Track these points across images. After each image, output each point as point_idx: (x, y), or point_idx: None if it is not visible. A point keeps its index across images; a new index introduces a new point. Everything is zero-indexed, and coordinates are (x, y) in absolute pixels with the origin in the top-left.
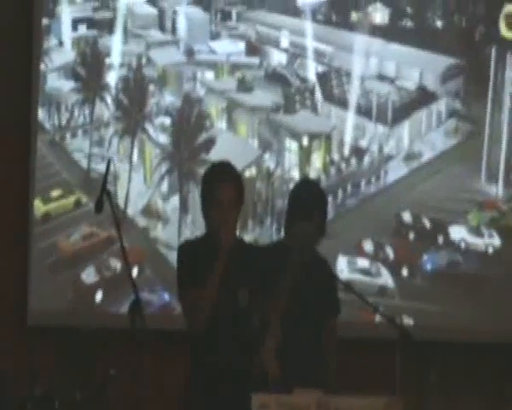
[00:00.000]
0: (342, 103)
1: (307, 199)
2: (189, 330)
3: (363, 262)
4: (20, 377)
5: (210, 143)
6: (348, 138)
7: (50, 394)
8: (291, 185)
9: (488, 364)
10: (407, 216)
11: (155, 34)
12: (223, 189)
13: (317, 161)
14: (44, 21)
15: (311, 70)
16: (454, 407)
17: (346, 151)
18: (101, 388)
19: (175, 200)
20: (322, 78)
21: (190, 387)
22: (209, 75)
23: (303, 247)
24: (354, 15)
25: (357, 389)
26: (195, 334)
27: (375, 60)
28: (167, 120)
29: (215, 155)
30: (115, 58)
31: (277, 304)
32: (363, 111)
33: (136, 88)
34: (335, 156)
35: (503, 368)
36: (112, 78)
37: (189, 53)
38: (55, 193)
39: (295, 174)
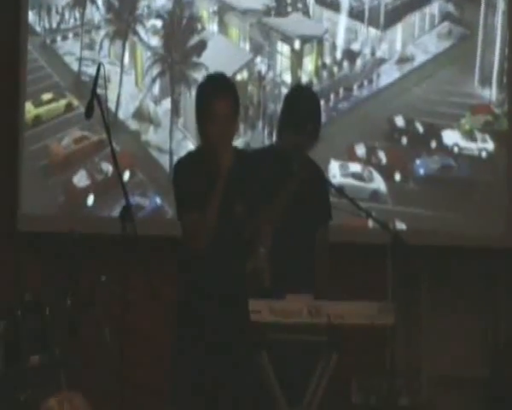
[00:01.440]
0: (334, 6)
1: (302, 107)
2: (188, 250)
3: (355, 167)
4: (9, 284)
5: (201, 46)
6: (340, 42)
7: (40, 300)
8: (283, 89)
9: (477, 268)
10: (400, 120)
11: None
12: (219, 104)
13: (309, 64)
14: None
15: None
16: (443, 310)
17: (339, 55)
18: (90, 294)
19: (167, 103)
20: None
21: (184, 302)
22: None
23: (296, 155)
24: None
25: (349, 294)
26: (195, 254)
27: None
28: (159, 23)
29: (206, 58)
30: None
31: (272, 214)
32: (356, 14)
33: None
34: (327, 60)
35: (492, 272)
36: None
37: None
38: (46, 96)
39: (287, 78)
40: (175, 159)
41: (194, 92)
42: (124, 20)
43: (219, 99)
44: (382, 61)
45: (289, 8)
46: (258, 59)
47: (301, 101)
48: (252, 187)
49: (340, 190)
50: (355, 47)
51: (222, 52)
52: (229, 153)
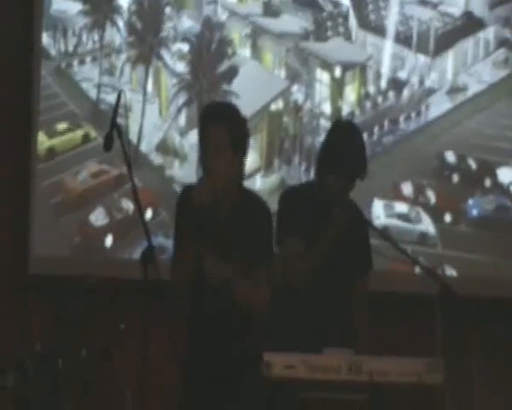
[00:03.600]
0: (379, 30)
1: (345, 151)
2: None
3: (401, 207)
4: (20, 332)
5: (232, 73)
6: (385, 69)
7: (53, 351)
8: (322, 120)
9: None
10: (451, 156)
11: None
12: (208, 130)
13: (350, 93)
14: None
15: None
16: (497, 368)
17: (383, 83)
18: (108, 345)
19: (193, 135)
20: (358, 2)
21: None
22: None
23: (338, 198)
24: None
25: (393, 349)
26: (180, 297)
27: None
28: (185, 47)
29: (238, 85)
30: None
31: (310, 260)
32: (403, 39)
33: (150, 10)
34: (371, 89)
35: None
36: None
37: None
38: (61, 126)
39: (326, 108)
40: None
41: None
42: (147, 43)
43: (209, 124)
44: (432, 91)
45: (330, 33)
46: (295, 87)
47: (347, 139)
48: (249, 240)
49: (384, 232)
50: (402, 75)
51: (255, 79)
52: (208, 189)
